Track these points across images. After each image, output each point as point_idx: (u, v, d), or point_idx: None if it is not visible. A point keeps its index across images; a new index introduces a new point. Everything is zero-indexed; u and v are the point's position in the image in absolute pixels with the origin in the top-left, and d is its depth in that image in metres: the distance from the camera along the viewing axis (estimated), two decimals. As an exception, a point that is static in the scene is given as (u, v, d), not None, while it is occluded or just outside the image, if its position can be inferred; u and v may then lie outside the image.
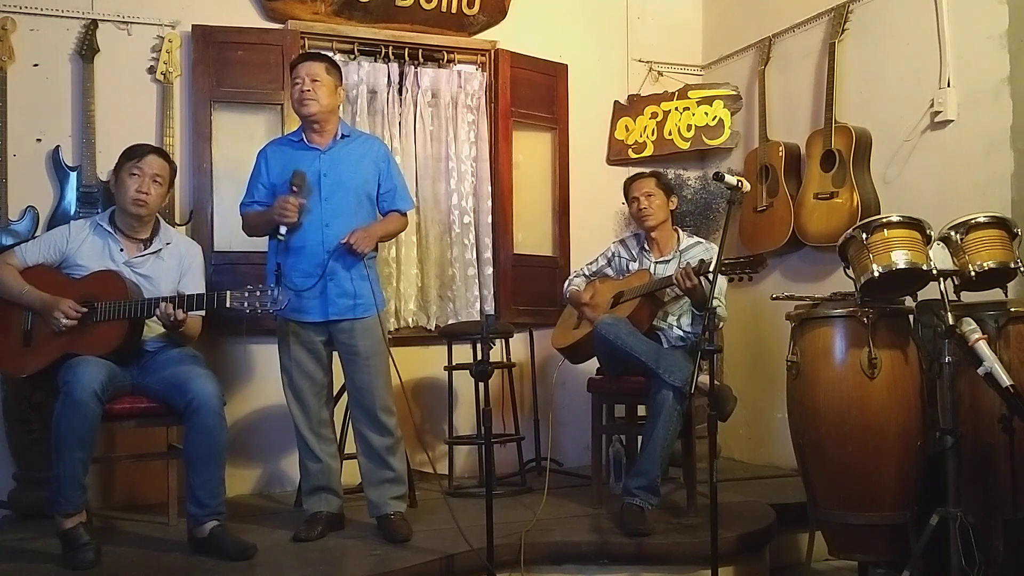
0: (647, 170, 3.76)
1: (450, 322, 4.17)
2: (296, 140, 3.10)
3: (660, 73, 4.80)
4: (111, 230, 3.00)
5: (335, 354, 3.10)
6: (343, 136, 3.10)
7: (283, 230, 2.91)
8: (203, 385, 2.80)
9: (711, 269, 2.98)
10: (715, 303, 3.11)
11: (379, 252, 3.26)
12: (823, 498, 2.93)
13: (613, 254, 3.66)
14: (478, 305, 4.29)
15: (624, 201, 3.70)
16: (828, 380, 2.88)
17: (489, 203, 4.35)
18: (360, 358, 3.01)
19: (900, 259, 2.70)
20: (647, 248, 3.56)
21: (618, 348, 3.18)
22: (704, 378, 2.73)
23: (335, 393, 3.20)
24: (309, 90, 2.98)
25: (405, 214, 3.20)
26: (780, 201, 4.08)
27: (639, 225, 3.58)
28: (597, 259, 3.70)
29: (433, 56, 4.29)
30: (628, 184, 3.59)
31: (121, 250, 2.99)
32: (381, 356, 3.04)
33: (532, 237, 4.50)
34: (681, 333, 3.39)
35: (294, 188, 2.92)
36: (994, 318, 2.69)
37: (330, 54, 4.04)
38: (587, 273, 3.70)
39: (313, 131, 3.05)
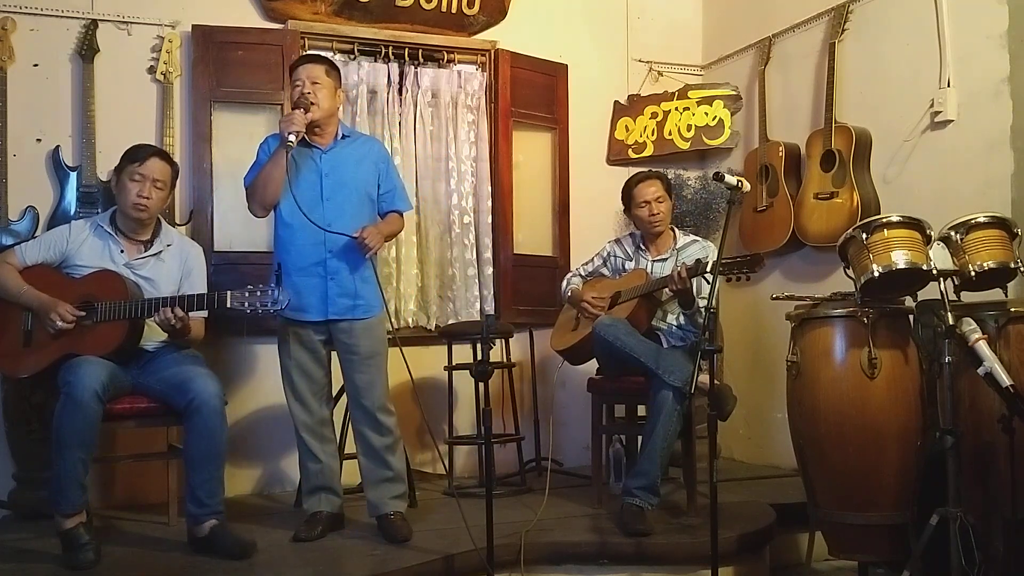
0: (647, 170, 3.70)
1: (450, 322, 4.16)
2: None
3: (660, 73, 4.80)
4: (111, 231, 3.00)
5: (334, 354, 3.11)
6: (343, 136, 3.11)
7: (292, 138, 2.86)
8: (204, 385, 2.80)
9: (708, 269, 2.99)
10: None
11: (380, 253, 3.29)
12: (823, 498, 2.93)
13: (609, 253, 3.64)
14: (478, 305, 4.29)
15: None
16: (828, 380, 2.88)
17: (489, 203, 4.35)
18: (360, 358, 3.02)
19: (900, 259, 2.70)
20: (643, 247, 3.55)
21: (617, 349, 3.18)
22: (704, 378, 2.73)
23: (335, 393, 3.20)
24: (309, 92, 2.98)
25: (403, 215, 3.21)
26: (780, 201, 4.08)
27: (646, 229, 3.50)
28: (593, 259, 3.69)
29: (433, 56, 4.29)
30: (634, 185, 3.48)
31: (121, 251, 2.99)
32: (381, 356, 3.06)
33: (532, 237, 4.50)
34: (680, 332, 3.39)
35: (301, 108, 2.93)
36: (994, 318, 2.70)
37: (330, 54, 4.07)
38: (583, 274, 3.69)
39: (314, 133, 3.05)
